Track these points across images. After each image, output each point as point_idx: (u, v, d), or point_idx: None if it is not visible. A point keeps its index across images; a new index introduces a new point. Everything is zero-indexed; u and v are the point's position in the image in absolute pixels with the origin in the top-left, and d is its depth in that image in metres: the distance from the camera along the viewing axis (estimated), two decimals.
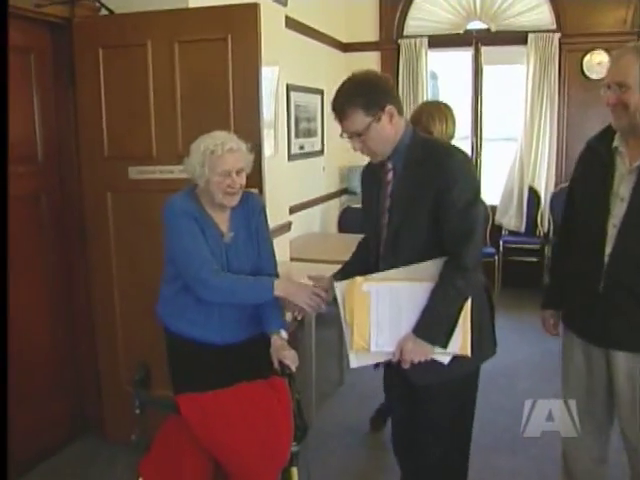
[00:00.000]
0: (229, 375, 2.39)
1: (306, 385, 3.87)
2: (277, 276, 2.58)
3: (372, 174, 2.38)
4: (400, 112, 2.21)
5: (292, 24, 5.03)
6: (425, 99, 6.51)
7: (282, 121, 4.92)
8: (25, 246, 3.32)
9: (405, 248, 2.20)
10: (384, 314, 2.19)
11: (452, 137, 3.30)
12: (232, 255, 2.47)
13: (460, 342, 2.16)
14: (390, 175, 2.27)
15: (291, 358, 2.32)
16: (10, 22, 3.09)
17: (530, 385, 4.25)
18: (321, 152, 6.34)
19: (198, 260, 2.35)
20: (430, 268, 2.15)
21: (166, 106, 3.22)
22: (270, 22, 4.24)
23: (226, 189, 2.37)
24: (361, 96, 2.12)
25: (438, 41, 6.47)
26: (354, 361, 2.24)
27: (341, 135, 2.23)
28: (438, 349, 2.16)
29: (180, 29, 3.13)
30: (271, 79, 4.44)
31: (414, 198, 2.17)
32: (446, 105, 3.41)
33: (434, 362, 2.19)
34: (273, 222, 4.58)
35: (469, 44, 6.35)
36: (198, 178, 2.39)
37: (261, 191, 3.22)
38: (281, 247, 4.74)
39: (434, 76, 12.82)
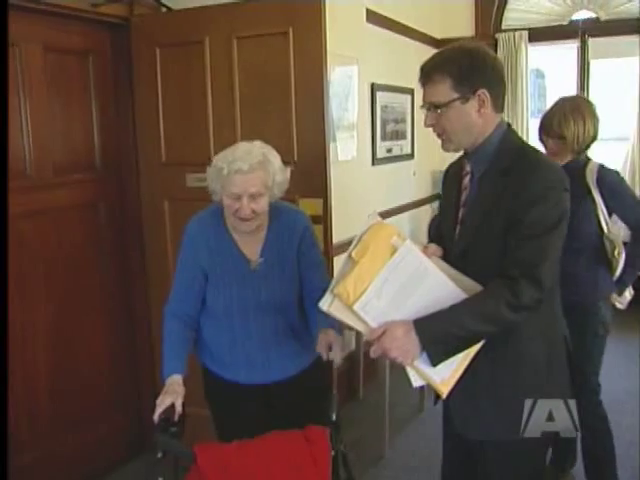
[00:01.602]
0: (263, 417, 2.16)
1: (379, 409, 3.57)
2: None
3: (454, 175, 1.98)
4: (496, 105, 1.79)
5: (376, 19, 4.70)
6: (525, 99, 6.03)
7: (364, 123, 4.64)
8: (83, 255, 3.23)
9: (473, 270, 1.77)
10: (393, 284, 1.71)
11: (593, 140, 2.76)
12: (260, 283, 2.15)
13: (447, 376, 1.71)
14: (467, 180, 1.88)
15: (338, 344, 1.96)
16: (67, 24, 3.02)
17: (637, 421, 3.72)
18: (411, 156, 5.97)
19: (172, 294, 2.23)
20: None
21: (224, 108, 3.01)
22: (347, 17, 3.97)
23: (236, 213, 2.05)
24: (457, 65, 1.74)
25: (539, 34, 5.93)
26: (327, 303, 1.73)
27: (422, 106, 1.84)
28: (422, 363, 1.69)
29: (238, 24, 2.92)
30: (350, 78, 4.16)
31: (489, 216, 1.76)
32: (585, 101, 2.87)
33: (488, 414, 1.82)
34: (352, 232, 4.29)
35: (574, 36, 5.79)
36: (212, 194, 2.13)
37: (326, 201, 2.94)
38: None
39: (540, 75, 12.13)
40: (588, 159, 2.78)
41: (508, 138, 1.82)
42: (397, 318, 1.70)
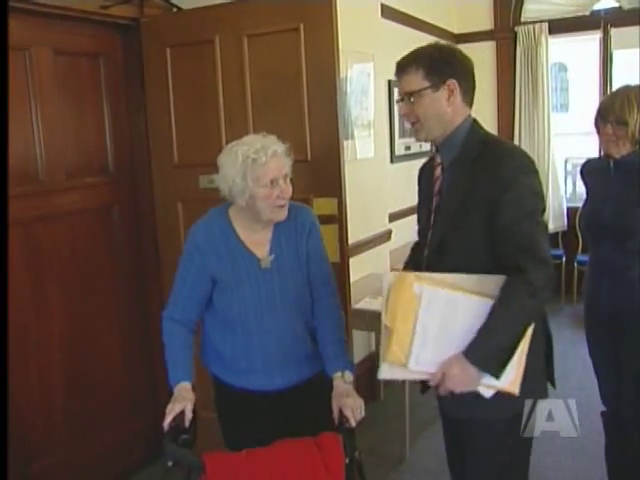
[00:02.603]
0: (278, 424, 2.10)
1: (400, 411, 3.50)
2: (334, 302, 2.19)
3: (428, 169, 2.09)
4: (466, 99, 1.93)
5: (391, 14, 4.64)
6: (546, 93, 5.90)
7: (382, 120, 4.57)
8: (98, 258, 3.21)
9: (452, 257, 1.88)
10: (432, 326, 1.79)
11: None
12: (274, 281, 2.10)
13: (512, 377, 1.77)
14: (438, 170, 1.98)
15: (353, 407, 1.90)
16: (76, 26, 3.01)
17: None
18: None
19: (172, 298, 2.19)
20: (498, 284, 1.78)
21: (236, 108, 2.96)
22: (362, 13, 3.91)
23: (276, 201, 2.01)
24: (428, 58, 1.90)
25: (560, 26, 5.82)
26: (385, 372, 1.83)
27: (397, 100, 2.02)
28: (486, 380, 1.77)
29: (248, 21, 2.86)
30: (368, 76, 4.10)
31: (463, 202, 1.85)
32: None
33: (473, 393, 1.84)
34: (369, 232, 4.26)
35: (596, 27, 5.67)
36: (239, 195, 2.03)
37: (341, 200, 2.87)
38: (379, 258, 4.38)
39: (563, 68, 11.95)
40: None
41: (475, 130, 1.94)
42: (451, 352, 1.78)
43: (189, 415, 1.92)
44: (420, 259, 2.03)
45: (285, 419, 2.18)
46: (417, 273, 1.86)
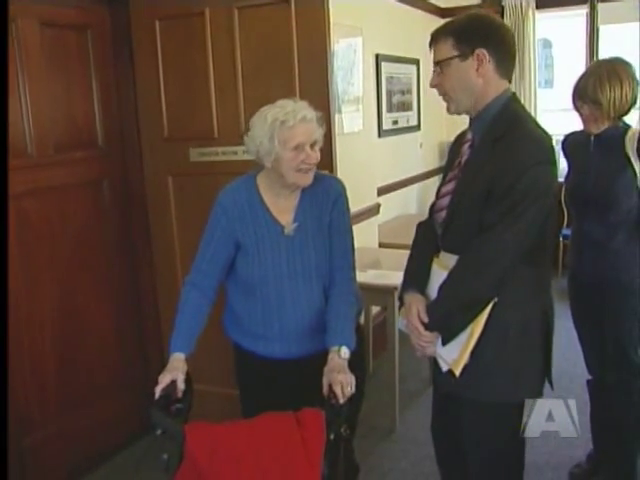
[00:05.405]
0: (294, 393, 2.11)
1: (389, 383, 3.55)
2: (349, 277, 2.19)
3: (458, 145, 2.02)
4: (500, 70, 1.83)
5: None
6: (533, 68, 5.92)
7: (370, 95, 4.56)
8: (88, 232, 3.19)
9: (454, 239, 1.90)
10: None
11: (632, 105, 2.53)
12: (295, 249, 2.12)
13: (455, 356, 1.88)
14: (466, 147, 1.93)
15: (343, 383, 1.84)
16: None
17: None
18: (417, 127, 5.91)
19: (195, 263, 2.18)
20: None
21: (227, 81, 2.95)
22: None
23: (300, 165, 2.03)
24: (457, 26, 1.86)
25: (547, 0, 5.83)
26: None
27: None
28: (440, 346, 1.90)
29: None
30: (354, 52, 4.09)
31: (474, 183, 1.82)
32: (623, 63, 2.54)
33: (468, 372, 1.89)
34: (358, 205, 4.27)
35: (583, 2, 5.67)
36: (265, 156, 2.04)
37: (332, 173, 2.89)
38: (368, 232, 4.41)
39: (548, 44, 11.92)
40: (627, 126, 2.54)
41: (509, 106, 1.85)
42: None
43: (181, 386, 1.93)
44: (430, 239, 2.04)
45: (301, 388, 2.15)
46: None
